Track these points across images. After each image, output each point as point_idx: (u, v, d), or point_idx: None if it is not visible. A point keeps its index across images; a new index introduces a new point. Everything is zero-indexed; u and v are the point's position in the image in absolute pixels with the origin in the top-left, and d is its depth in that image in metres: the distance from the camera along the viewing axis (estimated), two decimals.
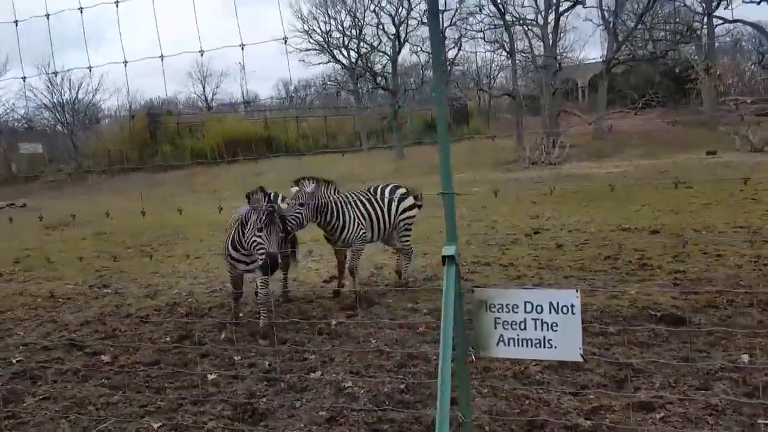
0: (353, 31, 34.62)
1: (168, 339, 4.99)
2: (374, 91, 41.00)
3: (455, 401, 2.56)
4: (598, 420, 3.09)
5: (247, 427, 3.32)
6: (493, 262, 6.90)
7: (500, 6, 28.82)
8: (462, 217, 10.20)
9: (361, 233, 5.60)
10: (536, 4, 30.51)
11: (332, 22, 34.56)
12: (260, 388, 3.81)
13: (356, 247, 5.65)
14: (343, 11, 34.40)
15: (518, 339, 2.16)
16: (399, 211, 5.92)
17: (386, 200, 5.81)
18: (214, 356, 4.45)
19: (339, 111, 40.85)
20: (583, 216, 9.66)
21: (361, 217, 5.63)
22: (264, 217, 4.63)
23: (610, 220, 8.99)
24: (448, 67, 33.32)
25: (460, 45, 34.18)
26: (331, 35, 34.49)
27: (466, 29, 32.85)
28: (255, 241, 4.70)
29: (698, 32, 29.74)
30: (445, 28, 30.85)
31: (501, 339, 2.18)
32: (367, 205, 5.73)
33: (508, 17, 29.53)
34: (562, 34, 32.42)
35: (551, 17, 29.17)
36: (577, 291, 2.10)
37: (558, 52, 30.58)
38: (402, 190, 6.03)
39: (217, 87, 52.87)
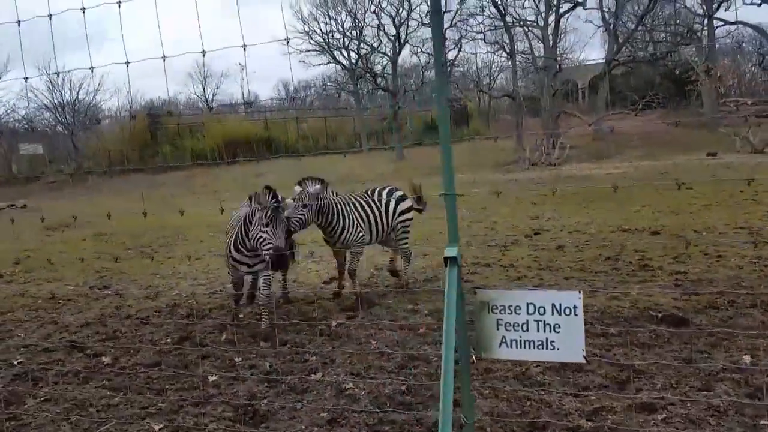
0: (353, 32, 34.66)
1: (169, 340, 4.98)
2: (374, 92, 41.05)
3: (457, 403, 2.56)
4: (600, 421, 3.08)
5: (248, 429, 3.32)
6: (494, 263, 6.90)
7: (500, 7, 28.86)
8: (462, 218, 10.19)
9: (360, 236, 5.62)
10: (536, 6, 30.57)
11: (333, 23, 34.62)
12: (261, 390, 3.81)
13: (355, 249, 5.65)
14: (344, 12, 34.45)
15: (521, 340, 2.15)
16: (397, 214, 5.94)
17: (384, 202, 5.83)
18: (215, 358, 4.45)
19: (339, 112, 40.88)
20: (584, 217, 9.66)
21: (360, 220, 5.64)
22: (270, 212, 4.59)
23: (611, 221, 8.99)
24: (449, 69, 33.33)
25: (461, 46, 34.23)
26: (332, 36, 34.53)
27: (466, 30, 32.92)
28: (261, 236, 4.63)
29: (699, 34, 29.78)
30: (446, 29, 30.88)
31: (503, 340, 2.18)
32: (366, 208, 5.74)
33: (508, 18, 29.58)
34: (562, 36, 32.49)
35: (551, 18, 29.21)
36: (579, 292, 2.09)
37: (558, 53, 30.62)
38: (399, 193, 6.04)
39: (217, 88, 52.93)
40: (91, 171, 27.55)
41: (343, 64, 36.01)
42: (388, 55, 35.07)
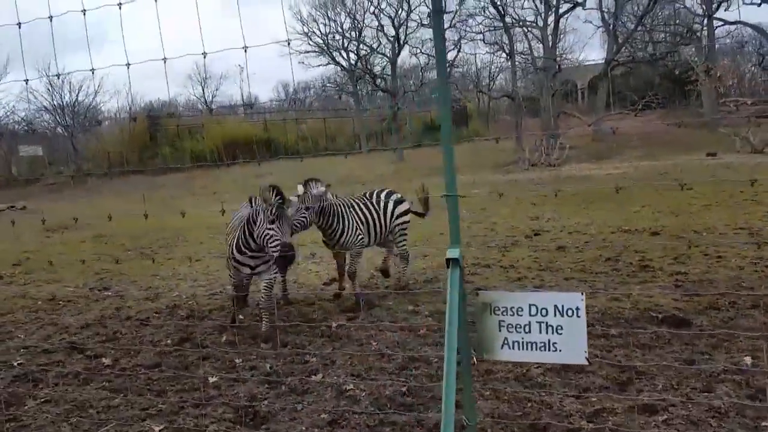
0: (353, 33, 34.69)
1: (169, 342, 4.98)
2: (374, 93, 41.08)
3: (458, 404, 2.55)
4: (601, 423, 3.08)
5: (248, 430, 3.31)
6: (494, 263, 6.90)
7: (500, 8, 28.88)
8: (462, 219, 10.15)
9: (359, 238, 5.63)
10: (536, 6, 30.60)
11: (332, 24, 34.65)
12: (261, 391, 3.80)
13: (355, 251, 5.66)
14: (343, 13, 34.48)
15: (523, 342, 2.15)
16: (394, 216, 5.96)
17: (382, 205, 5.86)
18: (215, 359, 4.44)
19: (338, 113, 40.90)
20: (584, 218, 9.66)
21: (359, 222, 5.65)
22: (275, 210, 4.55)
23: (611, 222, 8.99)
24: (448, 69, 33.33)
25: (460, 47, 34.26)
26: (333, 37, 34.55)
27: (465, 31, 32.94)
28: (267, 233, 4.58)
29: (698, 34, 29.81)
30: (445, 29, 30.85)
31: (505, 342, 2.18)
32: (365, 210, 5.76)
33: (507, 19, 29.61)
34: (561, 36, 32.49)
35: (551, 19, 29.24)
36: (582, 294, 2.09)
37: (558, 53, 30.63)
38: (397, 195, 6.07)
39: (216, 89, 52.93)
40: (91, 173, 27.54)
41: (342, 65, 36.04)
42: (387, 56, 35.09)
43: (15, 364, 4.66)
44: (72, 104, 37.85)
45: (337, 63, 35.91)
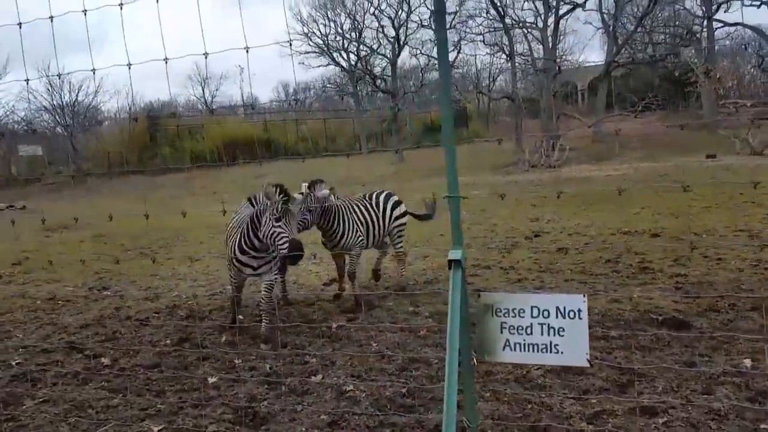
0: (353, 34, 34.71)
1: (168, 342, 4.97)
2: (374, 93, 41.08)
3: (459, 406, 2.55)
4: (601, 424, 3.08)
5: (248, 431, 3.31)
6: (494, 265, 6.89)
7: (500, 9, 28.91)
8: (462, 220, 10.18)
9: (359, 240, 5.63)
10: (536, 7, 30.63)
11: (332, 24, 34.67)
12: (261, 392, 3.80)
13: (354, 252, 5.66)
14: (343, 14, 34.51)
15: (524, 344, 2.15)
16: (393, 218, 5.98)
17: (381, 207, 5.88)
18: (215, 359, 4.43)
19: (338, 114, 40.91)
20: (583, 219, 9.66)
21: (359, 224, 5.66)
22: (280, 207, 4.50)
23: (611, 224, 8.99)
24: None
25: (460, 48, 34.29)
26: (333, 38, 34.56)
27: (465, 32, 32.97)
28: (275, 231, 4.50)
29: (698, 35, 29.84)
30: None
31: (507, 343, 2.17)
32: (365, 212, 5.77)
33: (507, 20, 29.62)
34: (561, 37, 32.54)
35: (551, 20, 29.26)
36: (584, 296, 2.09)
37: (557, 55, 30.66)
38: (395, 198, 6.09)
39: (216, 90, 52.95)
40: (91, 173, 27.53)
41: (342, 66, 36.06)
42: (387, 57, 35.12)
43: (13, 363, 4.65)
44: (72, 104, 37.83)
45: (338, 64, 35.96)
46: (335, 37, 34.77)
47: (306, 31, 34.30)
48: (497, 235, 8.90)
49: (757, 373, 3.50)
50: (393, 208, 6.02)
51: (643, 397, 3.32)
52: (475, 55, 52.76)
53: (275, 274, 5.07)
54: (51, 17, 3.14)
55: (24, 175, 30.68)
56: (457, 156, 2.15)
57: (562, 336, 2.11)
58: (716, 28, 30.06)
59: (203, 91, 50.93)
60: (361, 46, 34.99)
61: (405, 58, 38.21)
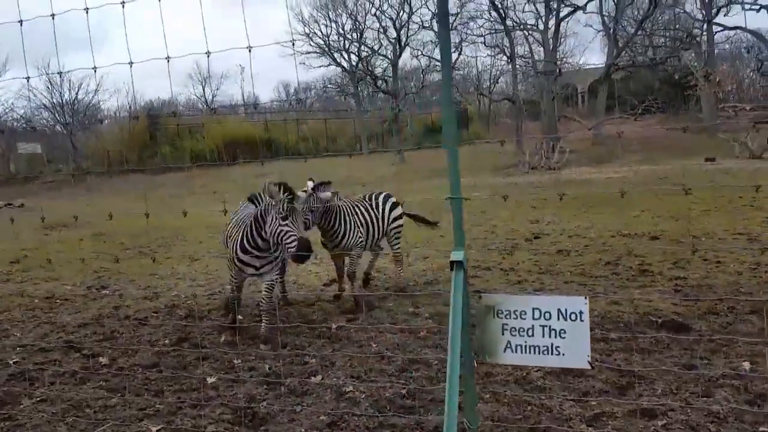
0: (354, 35, 34.74)
1: (167, 341, 4.96)
2: (375, 94, 41.11)
3: (459, 407, 2.54)
4: (601, 427, 3.07)
5: None
6: (494, 266, 6.89)
7: (501, 11, 28.94)
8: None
9: (359, 240, 5.63)
10: (537, 10, 30.68)
11: (333, 25, 34.70)
12: (260, 392, 3.79)
13: (354, 253, 5.66)
14: (344, 14, 34.53)
15: (526, 345, 2.14)
16: (391, 220, 5.99)
17: (380, 208, 5.89)
18: (214, 359, 4.42)
19: (339, 114, 40.93)
20: (583, 221, 9.66)
21: (360, 225, 5.66)
22: (286, 206, 4.45)
23: (611, 226, 8.99)
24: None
25: (461, 49, 34.32)
26: (335, 39, 34.58)
27: (466, 34, 33.00)
28: (282, 230, 4.43)
29: (698, 39, 29.89)
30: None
31: (508, 345, 2.17)
32: (365, 213, 5.78)
33: (508, 22, 29.66)
34: (562, 40, 32.60)
35: (552, 22, 29.32)
36: (585, 298, 2.09)
37: (558, 57, 30.71)
38: (393, 199, 6.12)
39: (217, 89, 52.90)
40: (90, 171, 27.50)
41: (343, 67, 36.07)
42: (388, 58, 35.16)
43: (11, 362, 4.64)
44: (71, 102, 37.80)
45: (339, 64, 35.97)
46: (336, 38, 34.81)
47: (307, 31, 34.34)
48: (497, 237, 8.90)
49: (756, 376, 3.50)
50: (391, 210, 6.03)
51: (642, 399, 3.32)
52: (476, 56, 52.93)
53: (276, 275, 5.05)
54: (52, 15, 3.13)
55: (23, 173, 30.63)
56: (459, 157, 2.14)
57: (564, 338, 2.11)
58: (716, 32, 30.14)
59: (204, 90, 50.93)
60: (363, 47, 35.03)
61: (406, 59, 38.29)
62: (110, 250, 9.99)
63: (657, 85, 32.87)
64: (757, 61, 33.66)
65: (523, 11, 31.17)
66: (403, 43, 34.16)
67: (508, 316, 2.16)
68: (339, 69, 36.95)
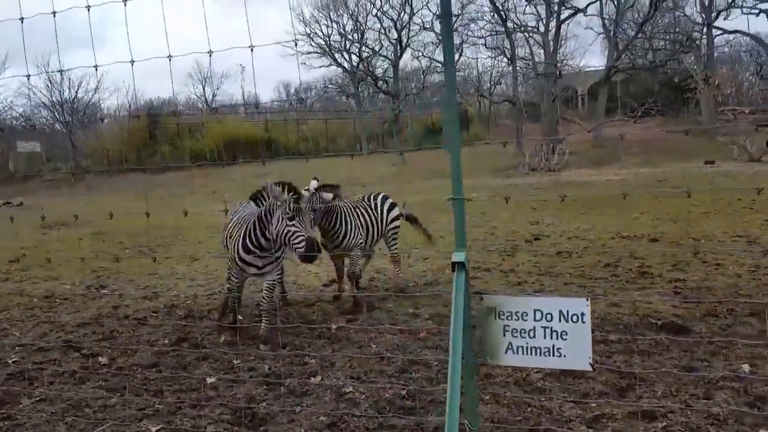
0: (355, 35, 34.76)
1: (166, 341, 4.95)
2: (375, 95, 41.13)
3: (460, 409, 2.54)
4: (601, 428, 3.07)
5: None
6: (493, 268, 6.89)
7: (502, 13, 28.98)
8: None
9: (359, 241, 5.64)
10: (537, 12, 30.72)
11: (334, 25, 34.72)
12: (260, 392, 3.78)
13: (354, 253, 5.66)
14: (345, 15, 34.56)
15: (527, 347, 2.14)
16: (389, 221, 6.00)
17: (379, 209, 5.90)
18: (213, 359, 4.41)
19: (339, 114, 40.95)
20: (583, 223, 9.67)
21: (360, 226, 5.66)
22: (292, 206, 4.40)
23: (610, 228, 9.00)
24: None
25: (462, 51, 34.36)
26: (338, 39, 34.60)
27: (467, 35, 33.05)
28: (290, 230, 4.38)
29: (698, 42, 29.95)
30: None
31: (509, 347, 2.17)
32: (365, 214, 5.78)
33: (509, 24, 29.70)
34: (562, 42, 32.64)
35: (552, 25, 29.37)
36: (587, 299, 2.09)
37: (558, 59, 30.75)
38: (390, 200, 6.13)
39: (217, 88, 52.90)
40: (90, 170, 27.47)
41: (344, 67, 36.09)
42: (389, 59, 35.20)
43: (10, 362, 4.62)
44: (71, 101, 37.75)
45: (339, 65, 35.98)
46: (338, 38, 34.83)
47: (308, 31, 34.36)
48: (497, 238, 8.90)
49: (756, 378, 3.50)
50: (389, 211, 6.04)
51: (642, 401, 3.32)
52: (477, 58, 53.01)
53: (277, 275, 5.03)
54: (54, 12, 3.13)
55: (22, 172, 30.59)
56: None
57: (565, 339, 2.10)
58: (716, 35, 30.19)
59: (204, 89, 50.94)
60: (363, 48, 35.06)
61: (407, 60, 38.35)
62: (110, 250, 9.97)
63: (657, 87, 32.92)
64: (756, 65, 33.73)
65: (524, 13, 31.25)
66: (404, 44, 34.21)
67: (509, 318, 2.16)
68: (340, 69, 37.00)
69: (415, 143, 32.85)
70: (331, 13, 34.61)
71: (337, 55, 35.26)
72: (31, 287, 7.42)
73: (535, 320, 2.14)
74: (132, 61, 2.86)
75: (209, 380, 3.98)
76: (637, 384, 3.54)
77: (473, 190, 13.98)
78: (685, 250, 6.91)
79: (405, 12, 33.55)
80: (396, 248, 6.20)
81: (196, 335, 5.02)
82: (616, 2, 28.71)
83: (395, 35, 34.00)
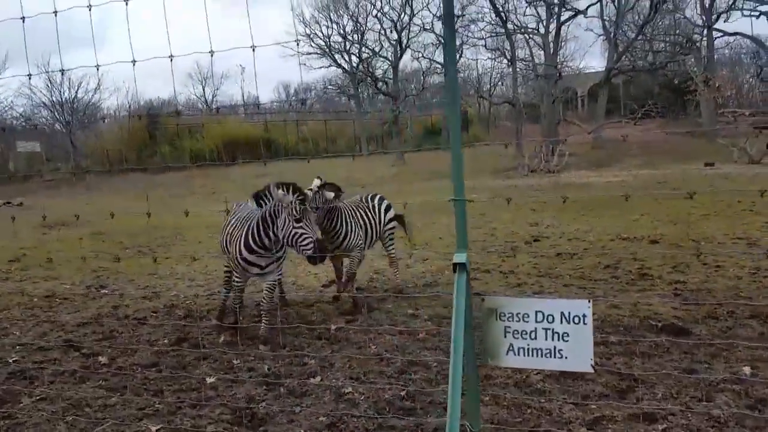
0: (355, 36, 34.79)
1: (166, 341, 4.95)
2: (375, 96, 41.15)
3: (461, 410, 2.54)
4: (600, 430, 3.07)
5: None
6: (493, 269, 6.89)
7: (502, 14, 29.02)
8: None
9: (359, 242, 5.64)
10: (538, 13, 30.76)
11: (334, 26, 34.74)
12: (259, 393, 3.78)
13: (354, 254, 5.66)
14: (346, 16, 34.58)
15: (528, 348, 2.14)
16: (386, 221, 6.01)
17: (376, 210, 5.91)
18: (213, 359, 4.41)
19: (339, 115, 40.97)
20: (583, 224, 9.68)
21: (360, 226, 5.67)
22: (299, 207, 4.37)
23: (610, 229, 9.01)
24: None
25: (462, 52, 34.40)
26: (339, 40, 34.62)
27: (467, 36, 33.09)
28: (297, 233, 4.37)
29: (698, 44, 29.99)
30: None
31: (511, 348, 2.17)
32: (364, 214, 5.79)
33: (509, 25, 29.73)
34: (562, 44, 32.68)
35: (552, 26, 29.41)
36: (589, 301, 2.09)
37: (558, 61, 30.78)
38: (387, 201, 6.13)
39: (217, 89, 52.91)
40: (90, 170, 27.46)
41: (344, 68, 36.10)
42: (389, 60, 35.21)
43: (10, 361, 4.62)
44: (71, 101, 37.75)
45: (339, 65, 35.99)
46: (338, 39, 34.86)
47: (308, 32, 34.37)
48: (497, 239, 8.90)
49: (757, 380, 3.50)
50: (386, 212, 6.05)
51: (642, 403, 3.32)
52: (477, 59, 53.11)
53: (278, 275, 5.02)
54: (55, 12, 3.13)
55: (22, 172, 30.58)
56: None
57: (567, 341, 2.10)
58: (716, 38, 30.25)
59: (204, 90, 50.97)
60: (363, 49, 35.07)
61: (406, 61, 38.35)
62: (109, 249, 9.97)
63: (657, 89, 32.96)
64: (756, 67, 33.77)
65: (524, 15, 31.29)
66: (403, 45, 34.22)
67: (510, 319, 2.16)
68: (339, 70, 37.01)
69: (414, 144, 32.86)
70: (331, 14, 34.65)
71: (337, 56, 35.30)
72: (32, 287, 7.42)
73: (536, 322, 2.14)
74: (133, 61, 2.86)
75: (209, 380, 3.98)
76: (637, 386, 3.54)
77: (473, 192, 13.97)
78: (686, 252, 6.92)
79: (405, 13, 33.60)
80: (393, 249, 6.20)
81: (195, 335, 5.02)
82: (616, 4, 28.75)
83: (395, 36, 34.03)
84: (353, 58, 35.35)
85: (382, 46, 35.21)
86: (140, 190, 17.28)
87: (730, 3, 28.60)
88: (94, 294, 6.91)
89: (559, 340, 2.11)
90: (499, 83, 44.42)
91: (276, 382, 3.88)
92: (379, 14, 33.84)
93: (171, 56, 2.73)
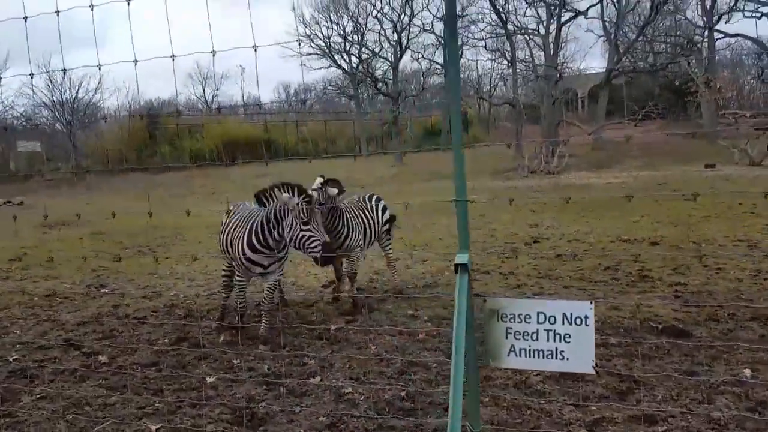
0: (355, 37, 34.80)
1: (166, 340, 4.95)
2: (375, 96, 41.16)
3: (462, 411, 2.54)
4: None
5: None
6: (493, 270, 6.89)
7: (502, 15, 29.03)
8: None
9: (360, 242, 5.64)
10: (538, 14, 30.77)
11: (334, 27, 34.75)
12: (259, 392, 3.78)
13: (354, 254, 5.66)
14: (345, 16, 34.59)
15: (530, 350, 2.14)
16: (383, 222, 6.02)
17: (374, 210, 5.93)
18: (213, 359, 4.42)
19: (339, 116, 40.99)
20: (583, 226, 9.67)
21: (360, 226, 5.67)
22: (305, 209, 4.37)
23: (610, 231, 9.00)
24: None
25: (462, 53, 34.37)
26: (339, 40, 34.63)
27: (467, 37, 33.09)
28: (305, 235, 4.36)
29: (699, 46, 30.00)
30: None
31: (512, 349, 2.17)
32: (363, 215, 5.79)
33: (509, 26, 29.74)
34: (563, 44, 32.68)
35: (553, 27, 29.42)
36: (591, 303, 2.09)
37: (559, 62, 30.78)
38: (384, 202, 6.15)
39: (217, 89, 52.91)
40: (90, 170, 27.48)
41: (344, 69, 36.11)
42: (389, 60, 35.21)
43: (11, 359, 4.63)
44: (72, 101, 37.75)
45: (339, 66, 36.00)
46: (338, 40, 34.87)
47: (308, 32, 34.37)
48: (497, 241, 8.90)
49: (757, 383, 3.50)
50: (383, 212, 6.06)
51: (643, 405, 3.32)
52: (477, 60, 53.04)
53: (280, 275, 5.02)
54: (57, 11, 3.13)
55: (22, 171, 30.58)
56: None
57: (568, 342, 2.11)
58: (717, 39, 30.25)
59: (204, 90, 50.99)
60: (363, 49, 35.08)
61: (406, 62, 38.36)
62: (110, 249, 9.97)
63: (657, 91, 32.96)
64: (757, 68, 33.78)
65: (525, 15, 31.28)
66: (403, 46, 34.23)
67: (512, 320, 2.16)
68: (339, 71, 37.00)
69: (414, 145, 32.86)
70: (332, 15, 34.66)
71: (336, 57, 35.29)
72: (32, 286, 7.42)
73: (538, 323, 2.14)
74: (135, 61, 2.86)
75: (209, 380, 3.98)
76: (637, 388, 3.54)
77: (472, 192, 13.90)
78: (686, 253, 6.91)
79: (405, 14, 33.60)
80: (391, 249, 6.20)
81: (195, 335, 5.02)
82: (616, 5, 28.76)
83: (395, 37, 34.04)
84: (353, 58, 35.37)
85: (382, 47, 35.24)
86: (140, 190, 17.29)
87: (732, 4, 28.62)
88: (94, 293, 6.91)
89: (560, 341, 2.11)
90: (499, 84, 44.46)
91: (276, 382, 3.88)
92: (379, 15, 33.87)
93: (173, 56, 2.73)
